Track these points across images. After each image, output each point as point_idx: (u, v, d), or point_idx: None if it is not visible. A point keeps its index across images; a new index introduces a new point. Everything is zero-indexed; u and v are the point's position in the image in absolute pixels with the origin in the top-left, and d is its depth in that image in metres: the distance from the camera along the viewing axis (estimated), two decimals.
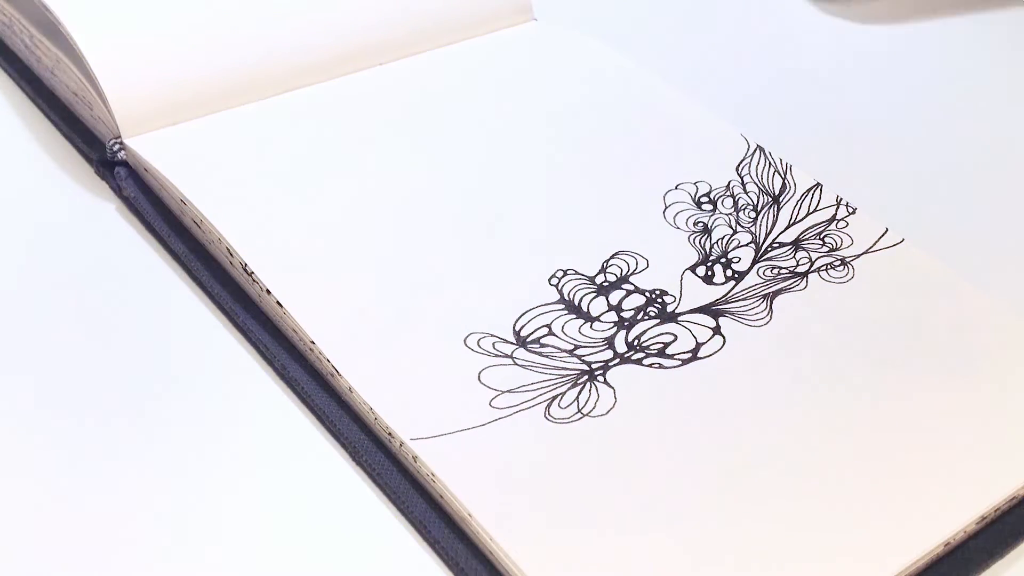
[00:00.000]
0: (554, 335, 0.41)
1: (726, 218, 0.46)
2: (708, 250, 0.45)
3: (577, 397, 0.39)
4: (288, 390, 0.41)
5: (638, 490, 0.37)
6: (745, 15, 0.61)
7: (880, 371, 0.40)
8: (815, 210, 0.47)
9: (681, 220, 0.46)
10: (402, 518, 0.37)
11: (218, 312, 0.43)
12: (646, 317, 0.42)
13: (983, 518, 0.36)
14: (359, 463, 0.39)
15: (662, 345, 0.41)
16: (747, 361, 0.41)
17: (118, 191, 0.48)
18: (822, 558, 0.35)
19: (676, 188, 0.48)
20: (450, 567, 0.36)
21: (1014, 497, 0.37)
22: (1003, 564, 0.37)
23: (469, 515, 0.36)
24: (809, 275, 0.44)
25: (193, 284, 0.45)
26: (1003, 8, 0.62)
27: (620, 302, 0.43)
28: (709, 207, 0.47)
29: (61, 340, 0.43)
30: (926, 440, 0.38)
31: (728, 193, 0.47)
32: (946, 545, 0.36)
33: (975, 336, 0.42)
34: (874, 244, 0.45)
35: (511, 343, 0.41)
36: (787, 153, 0.50)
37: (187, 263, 0.45)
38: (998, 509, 0.37)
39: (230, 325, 0.43)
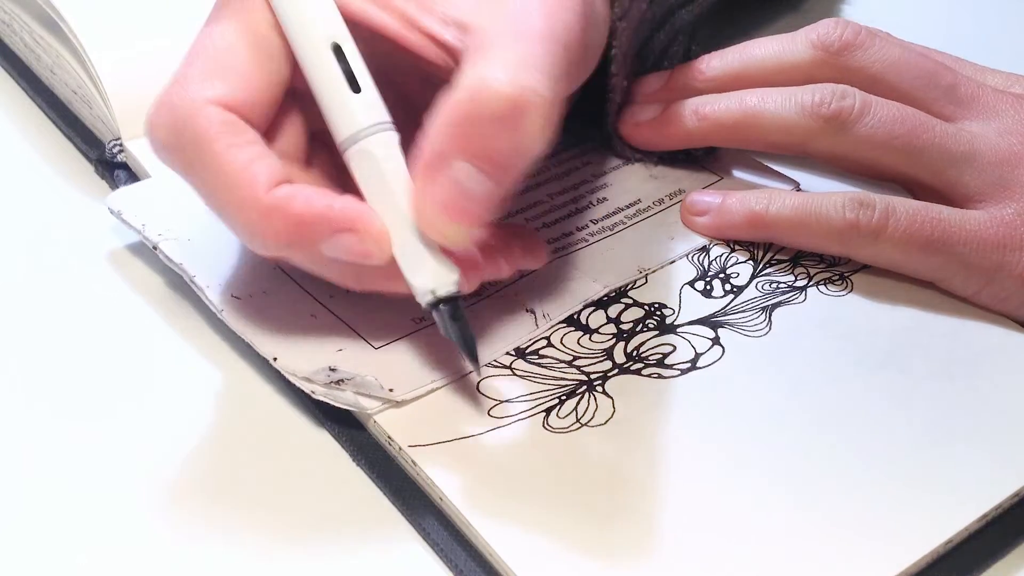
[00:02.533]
0: (553, 347, 0.42)
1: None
2: (707, 267, 0.45)
3: (575, 407, 0.39)
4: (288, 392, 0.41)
5: (636, 498, 0.37)
6: None
7: (880, 376, 0.41)
8: None
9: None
10: (403, 520, 0.37)
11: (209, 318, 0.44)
12: (645, 329, 0.42)
13: (985, 516, 0.36)
14: (359, 463, 0.39)
15: (661, 355, 0.41)
16: (746, 370, 0.41)
17: None
18: (824, 559, 0.35)
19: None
20: (451, 569, 0.36)
21: (1016, 495, 0.37)
22: (1005, 563, 0.36)
23: (467, 522, 0.36)
24: (808, 289, 0.44)
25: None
26: None
27: (619, 315, 0.43)
28: None
29: (60, 340, 0.43)
30: (927, 441, 0.38)
31: None
32: (948, 543, 0.36)
33: (972, 341, 0.42)
34: None
35: (510, 354, 0.41)
36: (784, 163, 0.50)
37: None
38: (1000, 507, 0.37)
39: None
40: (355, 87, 0.38)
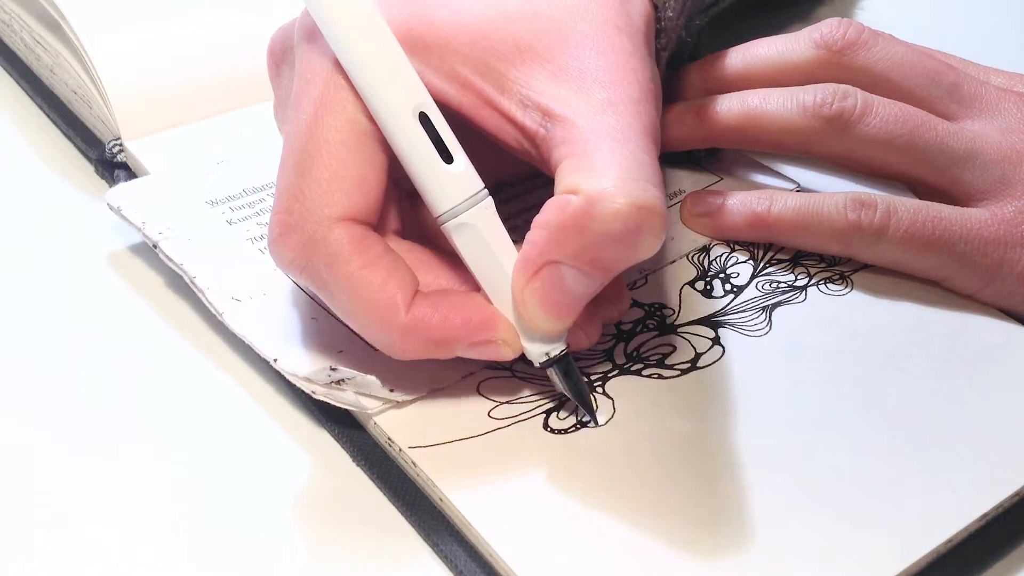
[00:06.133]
0: None
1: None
2: (707, 267, 0.45)
3: (576, 408, 0.39)
4: (289, 392, 0.41)
5: (636, 499, 0.37)
6: None
7: (880, 376, 0.41)
8: None
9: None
10: (403, 521, 0.37)
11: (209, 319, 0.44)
12: (645, 329, 0.42)
13: (985, 516, 0.36)
14: (359, 464, 0.39)
15: (661, 356, 0.41)
16: (746, 369, 0.41)
17: None
18: (825, 558, 0.35)
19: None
20: (451, 570, 0.36)
21: (1017, 495, 0.37)
22: (1005, 563, 0.36)
23: (468, 523, 0.36)
24: (808, 288, 0.44)
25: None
26: None
27: None
28: None
29: (60, 340, 0.43)
30: (927, 441, 0.38)
31: None
32: (948, 543, 0.36)
33: (973, 340, 0.42)
34: None
35: None
36: (784, 163, 0.50)
37: None
38: (1000, 507, 0.37)
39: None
40: (446, 156, 0.37)
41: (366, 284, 0.37)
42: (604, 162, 0.35)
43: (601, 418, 0.39)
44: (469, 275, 0.38)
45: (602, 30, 0.38)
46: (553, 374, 0.39)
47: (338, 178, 0.37)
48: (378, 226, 0.39)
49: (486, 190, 0.38)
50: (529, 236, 0.36)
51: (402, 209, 0.40)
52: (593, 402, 0.39)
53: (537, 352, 0.38)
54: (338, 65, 0.37)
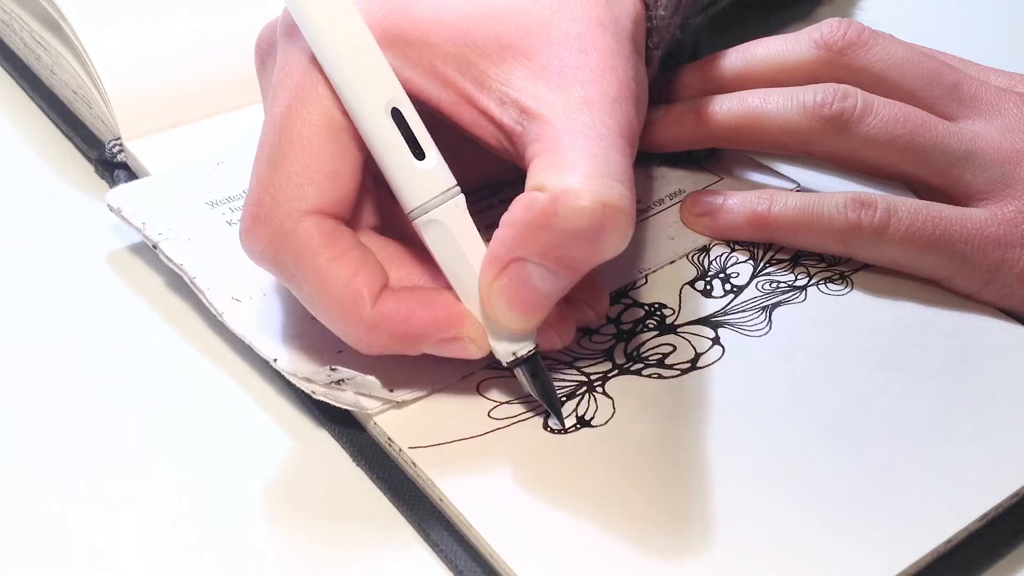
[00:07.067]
0: None
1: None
2: (707, 267, 0.45)
3: (575, 408, 0.39)
4: (289, 392, 0.41)
5: (635, 499, 0.37)
6: None
7: (880, 376, 0.41)
8: None
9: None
10: (403, 521, 0.37)
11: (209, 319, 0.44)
12: (645, 329, 0.42)
13: (985, 516, 0.36)
14: (359, 464, 0.39)
15: (661, 356, 0.41)
16: (746, 369, 0.41)
17: None
18: (825, 559, 0.35)
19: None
20: (451, 570, 0.36)
21: (1016, 495, 0.37)
22: (1005, 563, 0.36)
23: (467, 523, 0.36)
24: (808, 288, 0.44)
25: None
26: None
27: (619, 315, 0.43)
28: None
29: (60, 340, 0.43)
30: (927, 441, 0.38)
31: None
32: (948, 543, 0.36)
33: (973, 340, 0.42)
34: None
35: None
36: (784, 163, 0.50)
37: None
38: (1000, 507, 0.37)
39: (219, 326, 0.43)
40: (418, 152, 0.37)
41: (333, 277, 0.37)
42: (573, 160, 0.35)
43: (601, 418, 0.39)
44: (442, 272, 0.38)
45: (586, 28, 0.38)
46: (520, 374, 0.39)
47: (309, 171, 0.37)
48: (352, 221, 0.39)
49: (458, 187, 0.38)
50: (496, 233, 0.36)
51: (381, 205, 0.40)
52: (561, 405, 0.39)
53: (504, 351, 0.38)
54: (315, 60, 0.37)
